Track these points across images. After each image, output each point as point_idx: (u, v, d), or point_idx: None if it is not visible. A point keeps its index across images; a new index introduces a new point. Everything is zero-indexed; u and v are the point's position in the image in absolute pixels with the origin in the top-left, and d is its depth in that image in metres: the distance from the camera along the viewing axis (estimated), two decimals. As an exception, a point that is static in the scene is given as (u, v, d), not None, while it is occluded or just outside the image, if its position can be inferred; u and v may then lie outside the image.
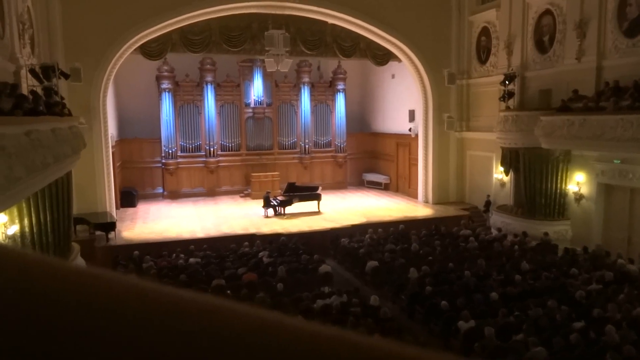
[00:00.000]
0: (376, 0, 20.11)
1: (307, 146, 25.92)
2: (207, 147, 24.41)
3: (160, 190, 24.34)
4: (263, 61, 20.24)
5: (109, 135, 18.69)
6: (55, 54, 16.43)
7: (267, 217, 19.47)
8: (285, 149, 25.79)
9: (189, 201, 23.22)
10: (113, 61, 17.90)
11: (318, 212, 20.07)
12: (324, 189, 21.91)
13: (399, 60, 22.03)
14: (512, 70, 18.43)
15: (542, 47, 17.78)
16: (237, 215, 19.90)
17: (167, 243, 15.68)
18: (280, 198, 19.98)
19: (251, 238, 16.33)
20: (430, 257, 13.82)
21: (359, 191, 26.06)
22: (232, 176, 25.03)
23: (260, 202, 20.25)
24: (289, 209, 19.85)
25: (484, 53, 20.74)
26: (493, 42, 20.15)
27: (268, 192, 20.28)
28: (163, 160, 24.03)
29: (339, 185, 26.59)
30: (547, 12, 17.50)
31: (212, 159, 24.54)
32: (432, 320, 10.50)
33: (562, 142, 15.13)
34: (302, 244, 15.64)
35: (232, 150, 24.94)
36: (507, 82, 18.12)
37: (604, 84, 14.94)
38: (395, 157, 25.58)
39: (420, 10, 20.77)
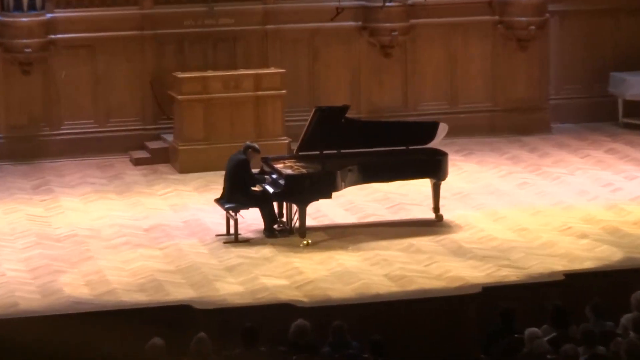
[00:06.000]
0: None
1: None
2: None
3: None
4: None
5: None
6: None
7: (236, 241, 7.46)
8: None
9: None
10: None
11: (434, 220, 8.00)
12: (464, 131, 9.79)
13: None
14: None
15: None
16: (127, 235, 8.00)
17: None
18: (288, 171, 7.78)
19: (184, 314, 6.38)
20: None
21: (596, 141, 10.53)
22: (112, 85, 10.14)
23: (204, 180, 9.07)
24: (315, 217, 7.91)
25: None
26: None
27: (250, 145, 7.75)
28: None
29: (519, 119, 10.65)
30: None
31: (28, 21, 9.88)
32: None
33: None
34: (372, 343, 4.77)
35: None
36: None
37: None
38: None
39: None
